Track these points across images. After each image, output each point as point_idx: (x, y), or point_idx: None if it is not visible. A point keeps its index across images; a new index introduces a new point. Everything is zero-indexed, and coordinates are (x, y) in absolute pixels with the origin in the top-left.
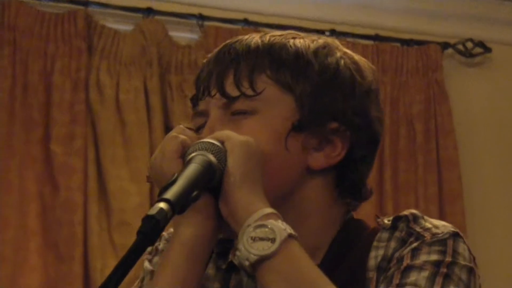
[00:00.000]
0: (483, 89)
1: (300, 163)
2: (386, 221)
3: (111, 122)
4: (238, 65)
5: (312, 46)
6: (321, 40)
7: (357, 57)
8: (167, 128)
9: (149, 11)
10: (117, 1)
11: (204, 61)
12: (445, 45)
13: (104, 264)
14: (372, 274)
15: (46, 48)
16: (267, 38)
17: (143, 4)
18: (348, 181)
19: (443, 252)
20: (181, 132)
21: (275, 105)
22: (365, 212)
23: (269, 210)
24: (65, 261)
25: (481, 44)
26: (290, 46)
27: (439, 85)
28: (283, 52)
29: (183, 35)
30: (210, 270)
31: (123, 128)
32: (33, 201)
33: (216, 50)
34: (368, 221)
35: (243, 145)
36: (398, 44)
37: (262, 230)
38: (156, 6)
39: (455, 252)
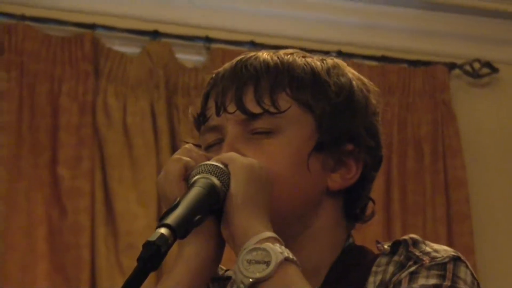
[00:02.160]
0: (491, 109)
1: (320, 184)
2: (385, 246)
3: (118, 145)
4: (258, 82)
5: (324, 66)
6: (330, 60)
7: (364, 78)
8: (174, 150)
9: (155, 34)
10: (123, 24)
11: (212, 76)
12: (452, 66)
13: (112, 287)
14: None
15: (53, 71)
16: (282, 56)
17: (149, 27)
18: (358, 203)
19: (442, 276)
20: (186, 153)
21: (297, 124)
22: (373, 233)
23: (268, 234)
24: (72, 284)
25: (488, 64)
26: (305, 65)
27: (447, 106)
28: (301, 71)
29: (190, 57)
30: None
31: (130, 150)
32: (41, 224)
33: (227, 66)
34: (372, 244)
35: (246, 168)
36: (405, 65)
37: (258, 253)
38: (162, 28)
39: (455, 276)
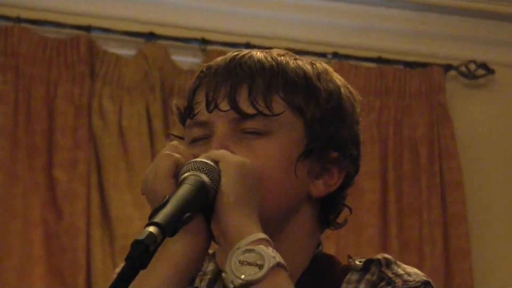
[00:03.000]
0: (487, 111)
1: (303, 190)
2: (357, 262)
3: (114, 148)
4: (252, 82)
5: (315, 70)
6: (319, 64)
7: (349, 86)
8: None
9: (151, 36)
10: (119, 26)
11: (204, 69)
12: (448, 67)
13: None
14: None
15: (48, 74)
16: (275, 57)
17: (145, 29)
18: (334, 210)
19: None
20: (174, 150)
21: (288, 128)
22: (369, 235)
23: (262, 235)
24: (68, 287)
25: (484, 66)
26: (298, 68)
27: (443, 108)
28: (294, 75)
29: (186, 59)
30: None
31: (126, 153)
32: (37, 227)
33: (221, 62)
34: (369, 245)
35: (238, 166)
36: (401, 67)
37: (251, 255)
38: (158, 30)
39: None
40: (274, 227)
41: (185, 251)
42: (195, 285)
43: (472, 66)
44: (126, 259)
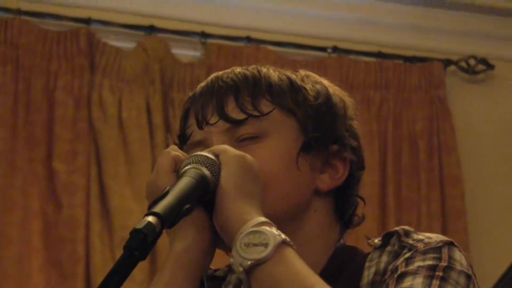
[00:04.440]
0: (486, 106)
1: (310, 184)
2: (376, 241)
3: (113, 140)
4: (237, 91)
5: (298, 75)
6: (302, 71)
7: (336, 87)
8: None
9: (151, 29)
10: (119, 19)
11: (189, 96)
12: (447, 62)
13: None
14: None
15: (48, 66)
16: (257, 68)
17: (145, 22)
18: (348, 203)
19: (437, 258)
20: (175, 148)
21: (282, 127)
22: (367, 229)
23: (263, 218)
24: (67, 279)
25: (483, 61)
26: (280, 74)
27: (442, 102)
28: (278, 80)
29: (186, 52)
30: None
31: (126, 145)
32: (36, 218)
33: (203, 84)
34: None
35: (238, 159)
36: (401, 61)
37: (256, 236)
38: (158, 23)
39: (450, 258)
40: (288, 225)
41: (189, 247)
42: None
43: (472, 61)
44: (124, 248)
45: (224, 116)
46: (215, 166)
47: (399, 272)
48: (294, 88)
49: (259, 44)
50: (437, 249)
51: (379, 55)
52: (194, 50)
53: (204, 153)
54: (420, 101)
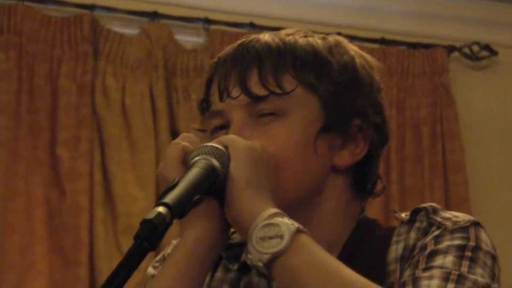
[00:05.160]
0: (490, 92)
1: (326, 164)
2: (403, 215)
3: (117, 126)
4: (261, 64)
5: (326, 44)
6: (331, 38)
7: (366, 54)
8: (173, 132)
9: (155, 15)
10: (123, 5)
11: (215, 61)
12: (451, 49)
13: (110, 268)
14: (394, 266)
15: (52, 52)
16: (283, 37)
17: (149, 8)
18: (367, 178)
19: (466, 238)
20: (183, 139)
21: (302, 106)
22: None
23: (274, 210)
24: (71, 266)
25: (487, 47)
26: (307, 45)
27: (445, 89)
28: (303, 52)
29: (189, 39)
30: (219, 273)
31: (129, 132)
32: (40, 205)
33: (229, 50)
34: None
35: (246, 150)
36: (404, 48)
37: (270, 229)
38: (162, 10)
39: (477, 239)
40: (302, 208)
41: (200, 236)
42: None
43: (476, 48)
44: (134, 238)
45: (246, 91)
46: (224, 157)
47: (429, 249)
48: (319, 63)
49: (262, 31)
50: (464, 228)
51: (382, 41)
52: (197, 36)
53: (213, 144)
54: (424, 88)
